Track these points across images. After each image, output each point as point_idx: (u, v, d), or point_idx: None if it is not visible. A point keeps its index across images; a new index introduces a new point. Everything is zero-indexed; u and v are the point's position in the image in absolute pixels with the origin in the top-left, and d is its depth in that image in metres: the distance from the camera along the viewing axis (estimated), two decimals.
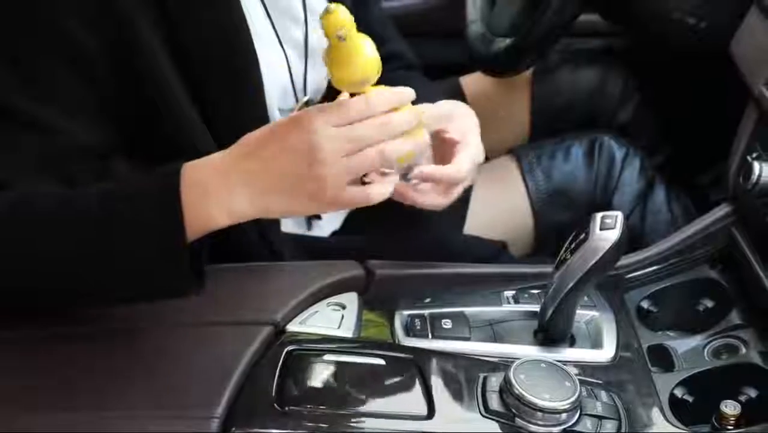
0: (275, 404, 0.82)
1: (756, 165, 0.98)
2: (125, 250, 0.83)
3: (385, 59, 1.16)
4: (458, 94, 1.34)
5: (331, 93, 1.09)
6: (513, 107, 1.39)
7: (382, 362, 0.90)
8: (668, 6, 1.19)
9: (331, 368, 0.88)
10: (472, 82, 1.42)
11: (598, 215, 0.99)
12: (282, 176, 0.81)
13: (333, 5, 0.82)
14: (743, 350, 0.96)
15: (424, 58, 1.24)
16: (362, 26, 1.15)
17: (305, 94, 1.07)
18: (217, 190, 0.82)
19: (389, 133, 0.83)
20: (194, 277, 0.84)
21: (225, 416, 0.79)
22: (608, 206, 1.23)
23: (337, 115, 0.81)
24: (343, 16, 0.83)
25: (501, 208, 1.29)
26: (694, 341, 1.00)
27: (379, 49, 1.14)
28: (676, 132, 1.36)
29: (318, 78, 1.08)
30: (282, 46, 1.03)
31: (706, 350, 0.97)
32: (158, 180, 0.84)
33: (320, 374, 0.87)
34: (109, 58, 0.88)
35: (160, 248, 0.82)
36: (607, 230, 0.95)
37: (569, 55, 1.41)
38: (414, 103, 0.88)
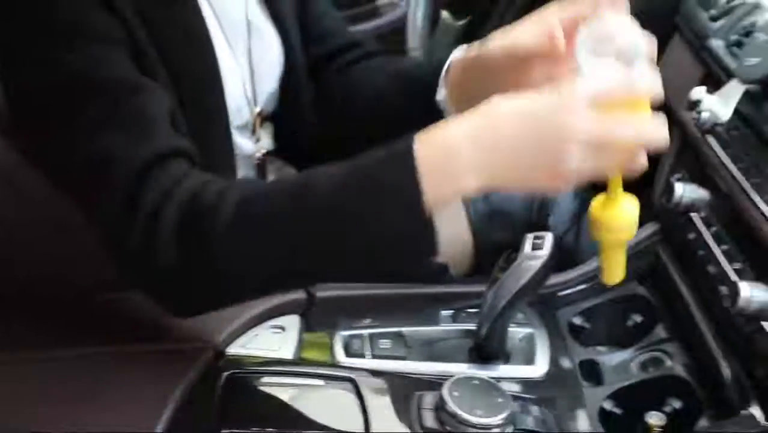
0: (214, 427, 0.83)
1: (678, 186, 1.02)
2: (369, 222, 0.81)
3: (345, 47, 1.17)
4: None
5: (286, 98, 1.12)
6: None
7: (320, 382, 0.92)
8: None
9: (270, 390, 0.90)
10: None
11: (530, 236, 1.03)
12: (532, 156, 0.78)
13: None
14: (668, 363, 1.00)
15: None
16: (312, 22, 1.17)
17: (255, 106, 1.08)
18: (463, 158, 0.79)
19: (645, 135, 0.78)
20: (437, 239, 0.82)
21: None
22: (544, 226, 1.26)
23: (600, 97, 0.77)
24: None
25: (441, 229, 1.32)
26: (623, 355, 1.04)
27: (335, 40, 1.16)
28: None
29: (266, 91, 1.10)
30: (235, 59, 1.04)
31: (633, 364, 1.01)
32: (390, 149, 0.82)
33: (259, 396, 0.89)
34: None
35: (401, 215, 0.80)
36: (537, 250, 1.00)
37: None
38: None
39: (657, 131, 0.78)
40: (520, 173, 0.80)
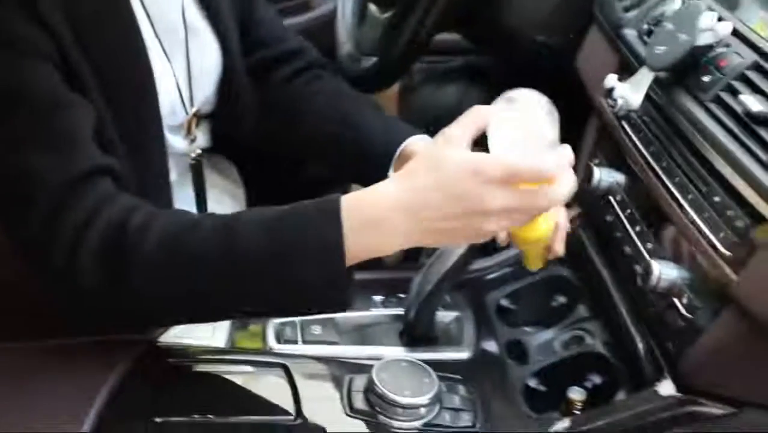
0: (146, 416, 0.84)
1: (596, 170, 1.07)
2: (287, 273, 0.83)
3: (289, 54, 1.19)
4: None
5: (223, 100, 1.13)
6: None
7: (251, 369, 0.94)
8: (519, 25, 1.27)
9: (202, 378, 0.92)
10: None
11: None
12: (450, 221, 0.82)
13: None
14: (589, 341, 1.04)
15: None
16: (254, 26, 1.18)
17: (192, 107, 1.09)
18: (386, 219, 0.83)
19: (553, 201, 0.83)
20: (350, 295, 0.85)
21: (94, 430, 0.81)
22: None
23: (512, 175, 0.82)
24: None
25: None
26: (547, 334, 1.08)
27: (277, 46, 1.17)
28: None
29: (203, 93, 1.10)
30: (170, 64, 1.04)
31: (556, 342, 1.06)
32: (318, 204, 0.85)
33: (192, 385, 0.91)
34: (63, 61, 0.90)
35: (320, 270, 0.83)
36: None
37: (432, 74, 1.49)
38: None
39: (564, 192, 0.82)
40: (441, 237, 0.84)
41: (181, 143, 1.09)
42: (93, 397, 0.84)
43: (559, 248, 1.00)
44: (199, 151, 1.13)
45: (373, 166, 1.09)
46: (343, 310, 0.86)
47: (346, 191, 1.16)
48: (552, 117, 0.84)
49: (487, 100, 1.51)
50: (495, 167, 0.81)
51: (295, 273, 0.83)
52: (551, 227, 0.91)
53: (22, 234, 0.86)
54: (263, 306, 0.88)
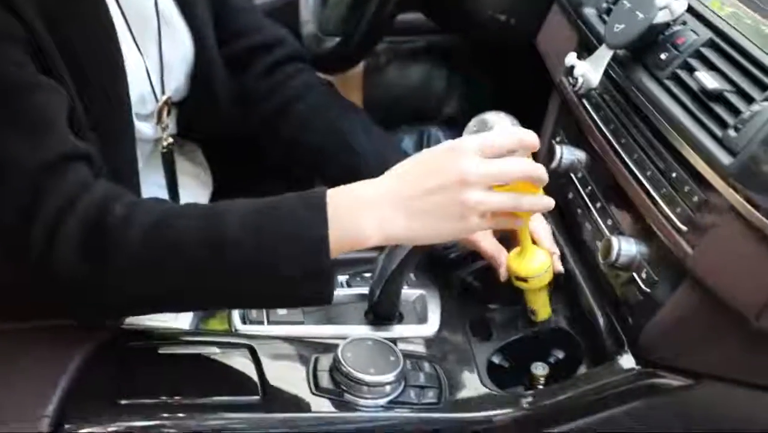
0: (110, 398, 0.85)
1: (558, 148, 1.08)
2: (271, 265, 0.84)
3: (268, 45, 1.18)
4: None
5: (196, 88, 1.13)
6: None
7: (217, 350, 0.94)
8: (481, 5, 1.27)
9: (167, 360, 0.92)
10: None
11: None
12: (432, 196, 0.84)
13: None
14: (552, 317, 1.05)
15: None
16: (229, 17, 1.17)
17: (163, 95, 1.08)
18: (370, 207, 0.85)
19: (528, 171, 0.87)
20: (331, 290, 0.86)
21: (56, 414, 0.81)
22: None
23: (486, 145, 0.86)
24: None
25: None
26: (511, 311, 1.09)
27: (254, 36, 1.17)
28: None
29: (175, 83, 1.10)
30: (141, 54, 1.03)
31: (520, 319, 1.06)
32: (304, 198, 0.86)
33: (156, 368, 0.91)
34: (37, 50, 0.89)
35: (304, 265, 0.84)
36: None
37: (397, 54, 1.49)
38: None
39: (536, 167, 0.88)
40: (427, 219, 0.85)
41: (150, 130, 1.09)
42: (56, 380, 0.84)
43: (559, 265, 1.05)
44: (170, 139, 1.13)
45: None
46: (326, 303, 0.87)
47: (312, 180, 1.18)
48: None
49: (451, 80, 1.52)
50: (469, 140, 0.85)
51: (278, 265, 0.84)
52: (546, 265, 0.98)
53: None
54: (245, 298, 0.89)
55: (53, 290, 0.86)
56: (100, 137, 0.95)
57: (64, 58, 0.91)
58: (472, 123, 0.90)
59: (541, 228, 1.05)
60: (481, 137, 0.86)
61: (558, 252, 1.05)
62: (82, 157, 0.88)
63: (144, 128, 1.07)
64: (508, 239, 1.04)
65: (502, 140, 0.86)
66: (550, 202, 0.91)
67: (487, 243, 1.05)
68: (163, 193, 1.16)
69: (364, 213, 0.85)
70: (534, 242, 1.00)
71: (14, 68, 0.87)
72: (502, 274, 1.04)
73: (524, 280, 1.00)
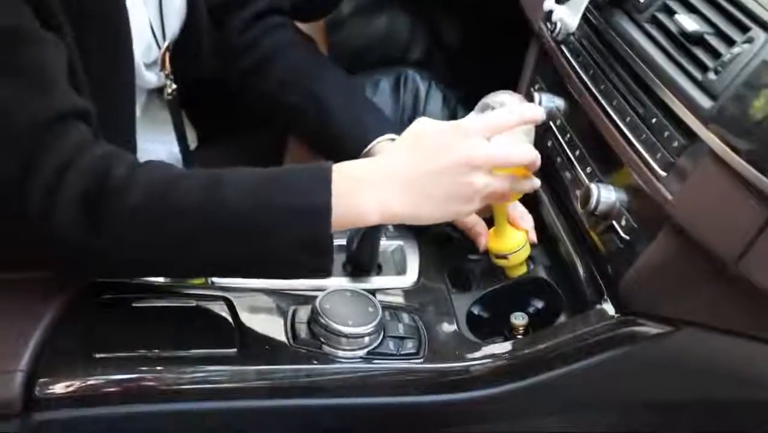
0: (84, 353, 0.83)
1: (537, 96, 1.06)
2: (270, 234, 0.83)
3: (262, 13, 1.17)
4: None
5: (185, 37, 1.12)
6: None
7: (192, 303, 0.93)
8: None
9: (143, 313, 0.91)
10: None
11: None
12: (438, 177, 0.84)
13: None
14: (531, 266, 1.05)
15: None
16: None
17: (164, 41, 1.08)
18: (375, 186, 0.85)
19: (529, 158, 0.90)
20: (330, 261, 0.86)
21: (29, 368, 0.81)
22: None
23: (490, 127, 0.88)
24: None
25: None
26: (490, 261, 1.08)
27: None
28: (467, 69, 1.44)
29: (172, 29, 1.10)
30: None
31: (498, 269, 1.06)
32: (309, 169, 0.85)
33: (131, 321, 0.90)
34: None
35: (304, 234, 0.83)
36: None
37: (360, 4, 1.46)
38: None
39: (535, 154, 0.91)
40: (431, 200, 0.86)
41: (154, 78, 1.09)
42: (28, 334, 0.83)
43: (534, 236, 1.06)
44: (174, 86, 1.12)
45: (337, 157, 1.10)
46: (324, 275, 0.87)
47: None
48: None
49: (416, 26, 1.50)
50: (474, 121, 0.87)
51: (278, 234, 0.83)
52: (520, 242, 1.01)
53: None
54: (243, 267, 0.89)
55: (48, 246, 0.85)
56: (100, 93, 0.93)
57: (65, 9, 0.89)
58: (481, 103, 0.91)
59: (513, 206, 1.06)
60: (485, 118, 0.88)
61: (532, 224, 1.06)
62: (81, 115, 0.87)
63: (149, 77, 1.07)
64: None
65: (505, 121, 0.88)
66: (538, 184, 0.96)
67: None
68: (155, 147, 1.16)
69: (367, 191, 0.85)
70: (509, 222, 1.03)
71: (15, 20, 0.85)
72: (482, 244, 1.05)
73: (504, 257, 1.02)
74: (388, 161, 0.87)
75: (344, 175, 0.85)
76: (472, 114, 0.93)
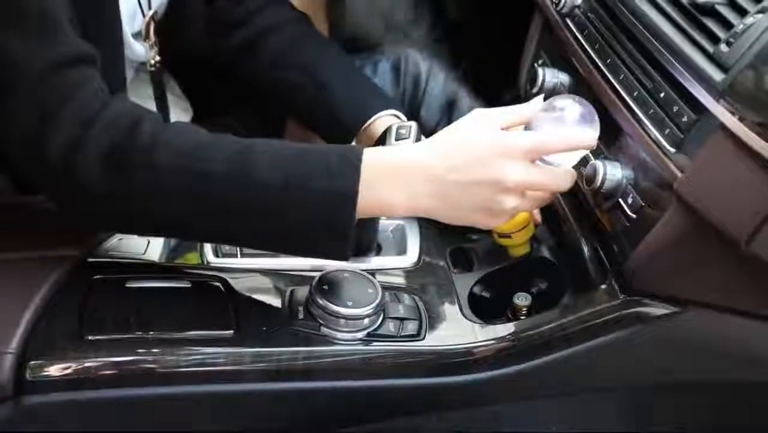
0: (75, 335, 0.82)
1: (540, 71, 1.03)
2: (294, 214, 0.82)
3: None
4: None
5: (173, 9, 1.10)
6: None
7: (188, 284, 0.91)
8: None
9: (136, 295, 0.89)
10: None
11: (394, 126, 1.03)
12: (468, 188, 0.83)
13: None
14: (535, 246, 1.03)
15: None
16: None
17: (149, 10, 1.06)
18: (404, 178, 0.83)
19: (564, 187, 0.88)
20: (350, 247, 0.85)
21: (20, 351, 0.79)
22: (416, 118, 1.27)
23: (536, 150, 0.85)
24: None
25: None
26: (492, 241, 1.06)
27: None
28: (471, 47, 1.41)
29: (158, 1, 1.08)
30: None
31: (501, 249, 1.04)
32: (339, 151, 0.84)
33: (124, 302, 0.88)
34: None
35: (325, 221, 0.82)
36: (402, 140, 1.00)
37: None
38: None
39: (573, 181, 0.88)
40: (456, 206, 0.84)
41: (141, 49, 1.07)
42: (19, 315, 0.81)
43: (538, 217, 1.04)
44: (158, 58, 1.10)
45: (335, 133, 1.10)
46: (342, 260, 0.86)
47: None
48: (593, 125, 0.87)
49: (417, 5, 1.47)
50: (521, 140, 0.84)
51: (301, 214, 0.82)
52: (524, 221, 0.99)
53: (13, 123, 0.83)
54: (260, 238, 0.87)
55: (70, 198, 0.85)
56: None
57: None
58: (547, 103, 0.87)
59: None
60: (533, 140, 0.84)
61: None
62: (92, 60, 0.86)
63: (137, 48, 1.05)
64: None
65: (554, 146, 0.85)
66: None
67: None
68: None
69: (397, 182, 0.83)
70: None
71: None
72: None
73: (508, 236, 1.00)
74: (422, 156, 0.85)
75: (375, 163, 0.83)
76: (533, 104, 0.87)
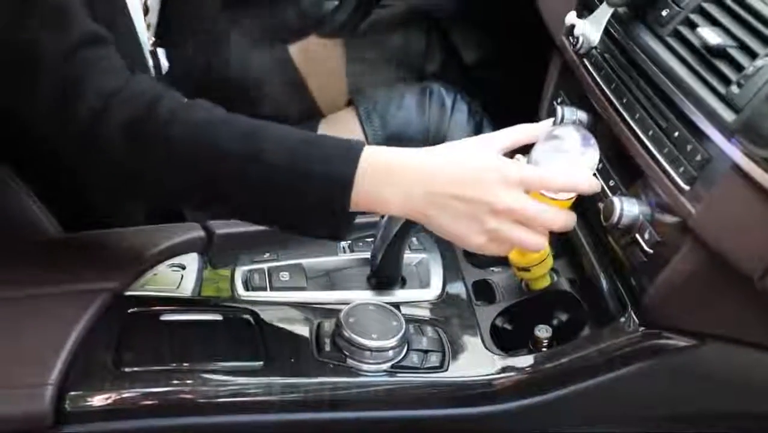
0: (112, 366, 0.85)
1: (559, 109, 1.06)
2: (296, 195, 0.88)
3: None
4: (288, 61, 1.39)
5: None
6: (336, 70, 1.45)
7: (219, 317, 0.95)
8: None
9: (169, 328, 0.92)
10: (302, 49, 1.42)
11: None
12: (456, 202, 0.86)
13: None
14: (555, 278, 1.05)
15: (256, 20, 1.27)
16: None
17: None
18: (401, 178, 0.87)
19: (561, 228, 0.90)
20: (345, 229, 0.91)
21: (60, 382, 0.82)
22: None
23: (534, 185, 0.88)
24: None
25: None
26: (514, 274, 1.09)
27: None
28: (485, 82, 1.44)
29: None
30: None
31: (523, 282, 1.06)
32: (344, 141, 0.89)
33: (158, 335, 0.91)
34: None
35: (323, 204, 0.88)
36: None
37: (374, 22, 1.46)
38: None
39: (567, 222, 0.90)
40: (442, 215, 0.88)
41: (142, 26, 1.11)
42: (59, 348, 0.84)
43: None
44: (153, 39, 1.15)
45: None
46: (335, 240, 0.95)
47: None
48: (593, 151, 0.91)
49: (430, 41, 1.50)
50: (521, 171, 0.87)
51: (302, 192, 0.87)
52: (543, 257, 1.00)
53: (39, 100, 0.88)
54: (263, 214, 0.93)
55: (91, 166, 0.93)
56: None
57: None
58: (547, 133, 0.91)
59: None
60: (533, 173, 0.88)
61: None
62: (106, 40, 0.91)
63: (140, 27, 1.09)
64: None
65: (553, 184, 0.89)
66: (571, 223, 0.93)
67: None
68: None
69: (395, 180, 0.88)
70: None
71: None
72: None
73: (526, 270, 1.02)
74: (423, 161, 0.88)
75: (376, 158, 0.88)
76: (540, 124, 0.92)
